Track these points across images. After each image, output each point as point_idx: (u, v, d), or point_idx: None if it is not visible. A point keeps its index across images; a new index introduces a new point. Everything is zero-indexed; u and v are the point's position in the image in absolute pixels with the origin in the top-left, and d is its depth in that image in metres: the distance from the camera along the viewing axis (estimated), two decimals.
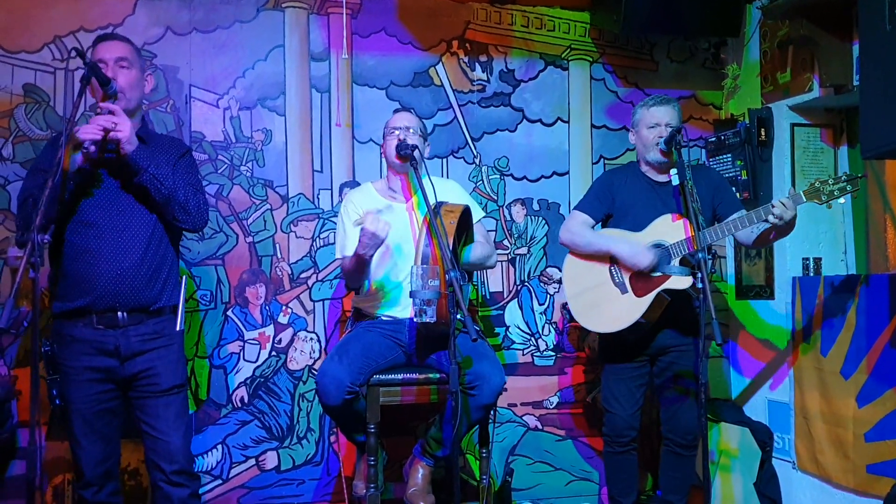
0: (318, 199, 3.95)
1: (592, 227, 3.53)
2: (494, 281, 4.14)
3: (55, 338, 2.84)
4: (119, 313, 2.77)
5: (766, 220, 3.12)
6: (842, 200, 3.05)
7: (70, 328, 2.79)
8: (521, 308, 4.17)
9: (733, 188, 3.74)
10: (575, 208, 3.61)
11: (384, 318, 3.29)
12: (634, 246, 3.36)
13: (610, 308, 3.42)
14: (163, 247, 2.88)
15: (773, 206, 3.09)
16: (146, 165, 2.75)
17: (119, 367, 2.79)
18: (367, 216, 3.02)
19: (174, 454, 2.84)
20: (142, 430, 2.87)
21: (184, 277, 2.98)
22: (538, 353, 4.17)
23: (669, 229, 3.34)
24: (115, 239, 2.77)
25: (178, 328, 2.90)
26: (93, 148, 2.64)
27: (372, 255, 3.10)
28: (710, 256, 3.05)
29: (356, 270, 3.21)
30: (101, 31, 3.66)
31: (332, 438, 3.88)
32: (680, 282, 3.27)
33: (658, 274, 3.31)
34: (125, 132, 2.69)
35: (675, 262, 3.29)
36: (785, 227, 3.15)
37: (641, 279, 3.35)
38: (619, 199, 3.52)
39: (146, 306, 2.81)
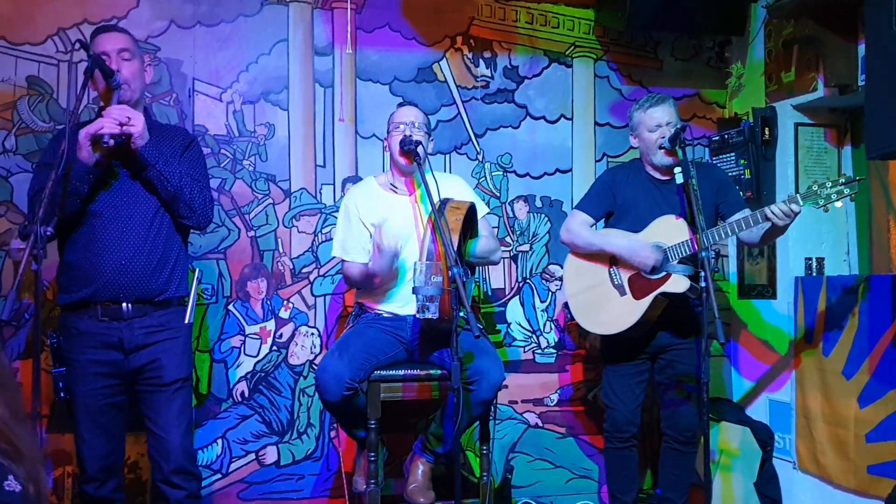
0: (321, 194, 3.94)
1: (592, 226, 3.52)
2: (496, 278, 4.14)
3: (62, 330, 2.83)
4: (123, 305, 2.76)
5: (769, 220, 3.10)
6: (839, 204, 3.02)
7: (75, 321, 2.78)
8: (522, 305, 4.17)
9: (737, 187, 3.72)
10: (575, 207, 3.61)
11: (386, 315, 3.28)
12: (635, 243, 3.34)
13: (608, 309, 3.41)
14: (167, 235, 2.86)
15: (771, 211, 3.07)
16: (154, 161, 2.76)
17: (124, 361, 2.79)
18: (377, 231, 3.03)
19: (173, 452, 2.84)
20: (145, 426, 2.88)
21: (197, 270, 2.97)
22: (539, 351, 4.17)
23: (669, 230, 3.31)
24: (118, 229, 2.77)
25: (186, 321, 2.89)
26: (112, 142, 2.65)
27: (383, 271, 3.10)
28: (713, 255, 3.03)
29: (364, 282, 3.22)
30: (105, 24, 3.66)
31: (333, 434, 3.88)
32: (678, 284, 3.25)
33: (656, 276, 3.30)
34: (138, 127, 2.71)
35: (675, 262, 3.27)
36: (782, 227, 3.14)
37: (639, 281, 3.34)
38: (620, 197, 3.49)
39: (151, 297, 2.80)
